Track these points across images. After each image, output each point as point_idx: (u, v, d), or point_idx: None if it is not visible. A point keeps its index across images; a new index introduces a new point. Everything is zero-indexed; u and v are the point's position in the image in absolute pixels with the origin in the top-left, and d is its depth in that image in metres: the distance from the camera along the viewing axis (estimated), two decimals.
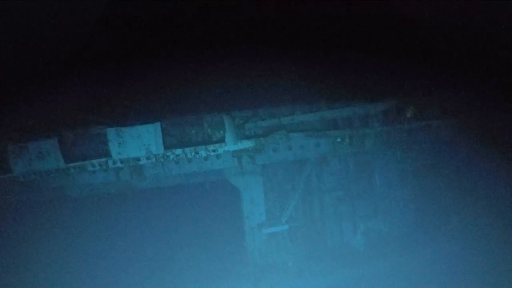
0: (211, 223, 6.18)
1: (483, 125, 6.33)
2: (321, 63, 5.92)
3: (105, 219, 6.20)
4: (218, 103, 5.39)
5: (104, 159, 4.49)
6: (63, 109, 5.44)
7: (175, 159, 4.75)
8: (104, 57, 6.49)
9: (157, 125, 4.55)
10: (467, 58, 6.63)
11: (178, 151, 4.64)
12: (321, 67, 5.90)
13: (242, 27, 6.77)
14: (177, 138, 5.17)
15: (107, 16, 6.85)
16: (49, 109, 5.39)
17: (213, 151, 4.79)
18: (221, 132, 5.17)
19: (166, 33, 6.75)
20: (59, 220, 6.20)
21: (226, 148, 4.81)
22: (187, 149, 4.68)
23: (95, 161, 4.51)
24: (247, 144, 4.93)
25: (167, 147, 4.63)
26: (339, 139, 5.49)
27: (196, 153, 4.75)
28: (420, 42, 6.84)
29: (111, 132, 4.46)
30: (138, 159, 4.67)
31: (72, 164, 4.47)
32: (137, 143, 4.54)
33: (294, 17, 6.98)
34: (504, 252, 6.39)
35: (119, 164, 4.68)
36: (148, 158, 4.66)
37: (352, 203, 6.43)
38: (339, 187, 6.31)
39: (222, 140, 5.00)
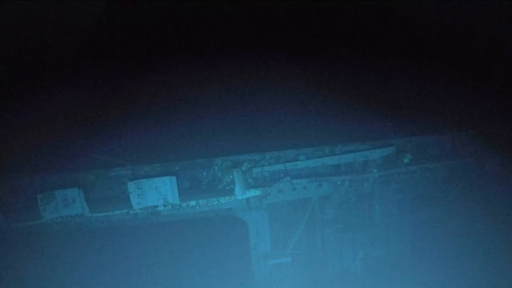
0: (220, 253, 6.65)
1: (480, 164, 6.68)
2: (324, 109, 6.31)
3: (119, 247, 6.69)
4: (228, 147, 5.82)
5: (126, 210, 4.94)
6: (82, 149, 5.90)
7: (189, 207, 5.20)
8: (106, 75, 6.80)
9: (173, 178, 4.98)
10: (468, 97, 6.96)
11: (193, 202, 5.08)
12: (323, 112, 6.30)
13: (246, 47, 7.08)
14: (190, 178, 5.64)
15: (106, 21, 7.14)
16: (68, 150, 5.84)
17: (224, 201, 5.24)
18: (231, 176, 5.61)
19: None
20: (79, 247, 6.68)
21: (236, 198, 5.24)
22: (200, 201, 5.11)
23: (117, 212, 4.95)
24: (255, 192, 5.36)
25: (182, 197, 5.07)
26: (339, 182, 5.90)
27: (208, 203, 5.19)
28: (420, 81, 7.18)
29: (131, 185, 4.89)
30: (156, 207, 5.12)
31: (96, 215, 4.92)
32: (155, 194, 4.99)
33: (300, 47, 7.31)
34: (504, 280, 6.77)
35: (138, 211, 5.13)
36: (165, 206, 5.10)
37: (352, 232, 6.84)
38: (340, 218, 6.72)
39: (231, 186, 5.45)
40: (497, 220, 7.15)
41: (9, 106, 6.39)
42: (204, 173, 5.66)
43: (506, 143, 6.72)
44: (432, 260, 7.23)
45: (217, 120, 6.15)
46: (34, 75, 6.66)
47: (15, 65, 6.57)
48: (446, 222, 7.27)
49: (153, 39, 7.24)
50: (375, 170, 5.79)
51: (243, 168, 5.55)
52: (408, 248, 7.20)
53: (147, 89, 6.87)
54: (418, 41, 7.98)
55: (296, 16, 7.17)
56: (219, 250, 6.72)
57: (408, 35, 7.99)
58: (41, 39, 6.67)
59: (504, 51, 7.57)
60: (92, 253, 6.46)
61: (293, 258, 6.40)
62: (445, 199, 7.12)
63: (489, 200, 7.03)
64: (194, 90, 6.85)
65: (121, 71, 6.98)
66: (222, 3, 7.42)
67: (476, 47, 7.70)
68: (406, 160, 5.76)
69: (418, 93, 7.30)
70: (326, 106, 6.45)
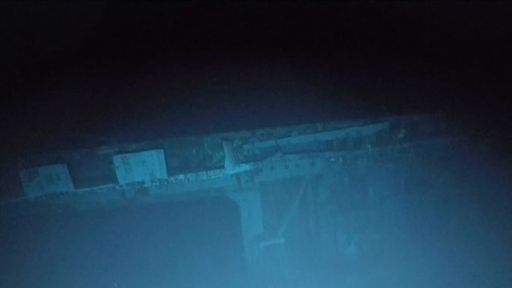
0: (211, 235, 6.49)
1: (476, 141, 6.59)
2: (317, 84, 6.19)
3: (109, 230, 6.52)
4: (218, 124, 5.68)
5: (111, 185, 4.78)
6: (68, 127, 5.74)
7: (177, 182, 5.04)
8: (104, 68, 6.69)
9: (161, 152, 4.83)
10: (464, 76, 6.87)
11: (181, 176, 4.92)
12: (317, 87, 6.18)
13: (241, 43, 6.98)
14: (179, 157, 5.47)
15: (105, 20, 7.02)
16: (54, 128, 5.68)
17: (213, 175, 5.08)
18: (221, 153, 5.46)
19: (162, 44, 6.93)
20: (66, 231, 6.50)
21: (226, 173, 5.10)
22: (189, 175, 4.96)
23: (103, 187, 4.79)
24: (246, 167, 5.22)
25: (170, 172, 4.91)
26: (332, 159, 5.77)
27: (198, 177, 5.04)
28: (414, 60, 7.08)
29: (117, 159, 4.73)
30: (143, 183, 4.96)
31: (81, 190, 4.75)
32: (142, 169, 4.83)
33: (294, 32, 7.21)
34: (497, 264, 6.69)
35: (125, 187, 4.97)
36: (152, 182, 4.94)
37: (346, 215, 6.71)
38: (333, 200, 6.58)
39: (222, 163, 5.30)
40: (492, 202, 7.05)
41: None
42: (194, 151, 5.50)
43: (499, 124, 6.64)
44: (427, 244, 7.13)
45: (207, 99, 6.00)
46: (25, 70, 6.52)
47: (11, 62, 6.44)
48: (441, 204, 7.16)
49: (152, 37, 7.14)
50: (369, 146, 5.67)
51: (234, 145, 5.40)
52: (403, 231, 7.09)
53: (139, 80, 6.73)
54: (410, 31, 7.89)
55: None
56: (210, 233, 6.55)
57: (400, 26, 7.90)
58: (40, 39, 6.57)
59: (492, 36, 7.51)
60: (79, 237, 6.28)
61: (286, 240, 6.26)
62: (440, 181, 7.01)
63: (483, 182, 6.93)
64: (186, 76, 6.71)
65: (117, 68, 6.83)
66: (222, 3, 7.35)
67: (467, 34, 7.64)
68: (400, 135, 5.65)
69: (411, 74, 7.19)
70: (319, 86, 6.33)
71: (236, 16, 7.22)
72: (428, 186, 7.03)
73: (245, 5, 7.22)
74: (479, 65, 7.14)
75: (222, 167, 5.12)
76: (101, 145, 5.30)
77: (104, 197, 5.41)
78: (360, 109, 6.18)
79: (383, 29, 7.72)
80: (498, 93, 6.71)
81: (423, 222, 7.14)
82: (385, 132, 5.78)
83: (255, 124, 5.66)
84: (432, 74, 7.05)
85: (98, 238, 6.52)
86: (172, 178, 4.92)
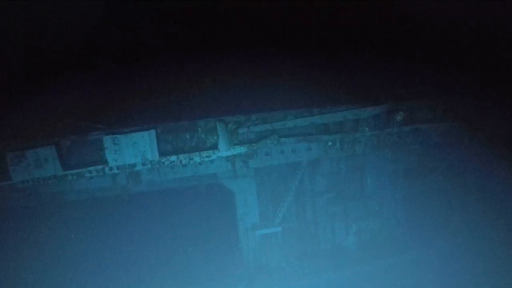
0: (206, 225, 6.32)
1: (473, 128, 6.47)
2: (313, 68, 6.05)
3: (101, 221, 6.33)
4: (212, 109, 5.52)
5: (101, 166, 4.62)
6: (59, 115, 5.56)
7: (170, 165, 4.88)
8: (100, 62, 6.58)
9: (152, 132, 4.68)
10: (459, 63, 6.77)
11: (173, 157, 4.77)
12: (313, 71, 6.04)
13: (236, 32, 6.87)
14: (172, 143, 5.31)
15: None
16: (46, 115, 5.51)
17: (207, 157, 4.93)
18: (215, 137, 5.30)
19: (160, 38, 6.83)
20: (57, 222, 6.30)
21: (220, 154, 4.95)
22: (181, 156, 4.80)
23: (92, 168, 4.63)
24: (240, 149, 5.07)
25: (162, 153, 4.76)
26: (330, 143, 5.63)
27: (191, 159, 4.88)
28: (412, 47, 6.97)
29: (107, 140, 4.58)
30: (134, 166, 4.80)
31: (69, 172, 4.58)
32: (133, 150, 4.67)
33: (288, 22, 7.10)
34: (494, 254, 6.56)
35: (115, 171, 4.81)
36: (144, 165, 4.79)
37: (344, 205, 6.55)
38: (331, 188, 6.42)
39: (215, 146, 5.14)
40: (492, 190, 6.93)
41: None
42: (187, 136, 5.34)
43: (497, 109, 6.54)
44: (427, 234, 6.98)
45: (205, 81, 5.85)
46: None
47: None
48: (440, 193, 7.03)
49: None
50: (367, 129, 5.53)
51: (228, 128, 5.25)
52: (403, 221, 6.93)
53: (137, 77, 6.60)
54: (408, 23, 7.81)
55: None
56: (205, 221, 6.38)
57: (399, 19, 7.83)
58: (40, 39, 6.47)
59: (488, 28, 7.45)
60: (67, 229, 6.09)
61: (283, 228, 6.10)
62: (439, 169, 6.88)
63: (481, 170, 6.81)
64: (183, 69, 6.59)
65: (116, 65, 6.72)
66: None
67: (464, 26, 7.57)
68: (399, 118, 5.52)
69: (408, 64, 7.09)
70: (317, 68, 6.19)
71: (232, 13, 7.13)
72: (427, 175, 6.89)
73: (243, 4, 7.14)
74: (476, 55, 7.05)
75: (216, 147, 4.94)
76: (92, 131, 5.14)
77: (94, 184, 5.23)
78: (358, 95, 6.05)
79: (381, 23, 7.62)
80: (494, 81, 6.62)
81: (423, 212, 7.00)
82: (383, 116, 5.64)
83: (251, 109, 5.51)
84: (430, 63, 6.95)
85: (88, 229, 6.34)
86: (164, 159, 4.75)
